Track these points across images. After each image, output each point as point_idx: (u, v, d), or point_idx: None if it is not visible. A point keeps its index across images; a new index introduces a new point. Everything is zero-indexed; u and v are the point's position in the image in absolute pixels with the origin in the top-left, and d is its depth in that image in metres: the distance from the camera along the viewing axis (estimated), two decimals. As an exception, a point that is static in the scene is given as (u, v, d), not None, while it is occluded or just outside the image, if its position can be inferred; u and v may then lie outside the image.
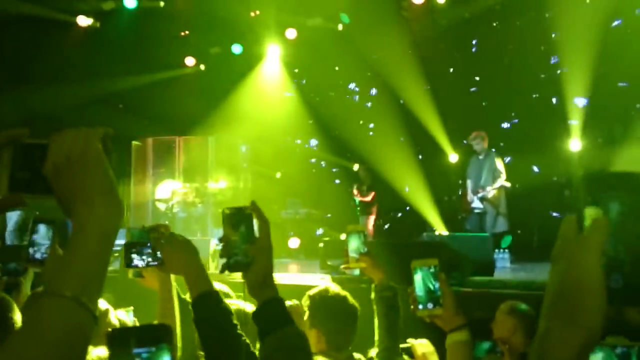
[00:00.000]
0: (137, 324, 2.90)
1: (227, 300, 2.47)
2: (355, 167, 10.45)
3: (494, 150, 8.83)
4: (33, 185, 0.93)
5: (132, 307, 3.06)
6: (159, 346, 0.94)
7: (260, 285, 1.41)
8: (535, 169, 10.99)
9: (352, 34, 11.91)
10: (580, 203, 0.81)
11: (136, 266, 2.30)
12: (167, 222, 2.61)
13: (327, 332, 2.59)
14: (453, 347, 1.88)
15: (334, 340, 2.61)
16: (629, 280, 0.78)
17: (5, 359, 0.75)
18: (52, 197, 0.91)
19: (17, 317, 2.18)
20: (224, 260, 1.45)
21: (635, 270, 0.78)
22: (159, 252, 2.20)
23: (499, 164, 8.41)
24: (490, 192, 8.23)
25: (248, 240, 1.40)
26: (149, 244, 2.32)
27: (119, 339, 0.95)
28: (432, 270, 1.89)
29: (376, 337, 2.56)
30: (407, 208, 12.20)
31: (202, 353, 1.75)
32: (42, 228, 2.24)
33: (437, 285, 1.87)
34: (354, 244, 2.67)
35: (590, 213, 0.79)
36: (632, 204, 0.78)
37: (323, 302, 2.69)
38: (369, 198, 9.89)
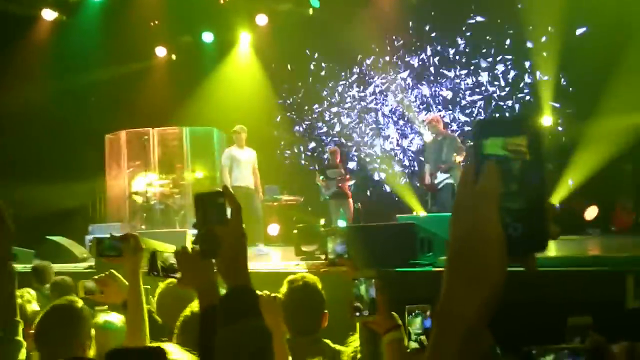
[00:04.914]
0: None
1: None
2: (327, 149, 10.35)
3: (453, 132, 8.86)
4: None
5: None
6: None
7: (229, 271, 1.34)
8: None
9: (322, 18, 11.87)
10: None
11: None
12: (136, 233, 2.63)
13: (293, 317, 2.66)
14: (389, 346, 2.11)
15: (300, 325, 2.69)
16: (528, 228, 0.73)
17: None
18: None
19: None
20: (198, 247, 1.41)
21: (532, 217, 0.73)
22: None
23: (457, 144, 8.44)
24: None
25: (219, 225, 1.35)
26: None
27: (117, 358, 1.05)
28: (369, 280, 2.11)
29: None
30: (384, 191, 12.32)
31: None
32: None
33: (372, 293, 2.09)
34: (332, 246, 2.66)
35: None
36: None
37: (291, 289, 2.79)
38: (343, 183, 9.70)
